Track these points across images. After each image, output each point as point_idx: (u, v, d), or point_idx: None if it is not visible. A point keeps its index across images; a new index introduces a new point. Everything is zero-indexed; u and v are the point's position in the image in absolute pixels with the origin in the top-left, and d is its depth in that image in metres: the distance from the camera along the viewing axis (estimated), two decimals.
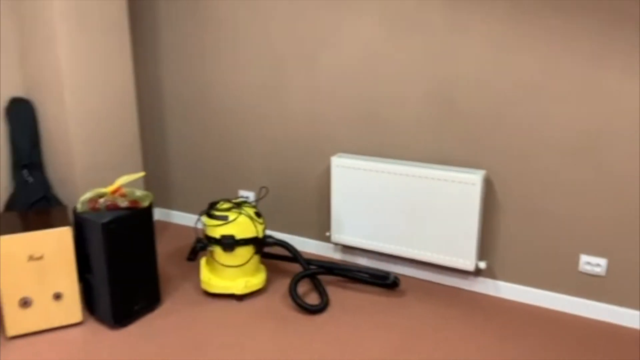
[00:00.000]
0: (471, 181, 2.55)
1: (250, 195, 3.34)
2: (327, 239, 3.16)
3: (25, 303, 2.35)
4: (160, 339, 2.37)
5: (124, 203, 2.41)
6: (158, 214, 3.79)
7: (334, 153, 3.01)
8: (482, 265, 2.67)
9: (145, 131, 3.62)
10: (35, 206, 2.72)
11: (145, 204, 2.47)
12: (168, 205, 3.74)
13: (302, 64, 2.96)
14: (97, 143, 2.84)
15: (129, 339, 2.37)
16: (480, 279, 2.77)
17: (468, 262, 2.65)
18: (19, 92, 2.76)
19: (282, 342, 2.35)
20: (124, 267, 2.42)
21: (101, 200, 2.39)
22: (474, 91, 2.56)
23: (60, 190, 2.85)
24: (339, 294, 2.75)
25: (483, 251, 2.74)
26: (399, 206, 2.75)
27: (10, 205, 2.74)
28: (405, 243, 2.79)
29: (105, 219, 2.31)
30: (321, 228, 3.17)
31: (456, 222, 2.63)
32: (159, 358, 2.23)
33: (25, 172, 2.75)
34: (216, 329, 2.45)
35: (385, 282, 2.74)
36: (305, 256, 3.17)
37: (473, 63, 2.53)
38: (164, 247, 3.33)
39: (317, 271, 2.79)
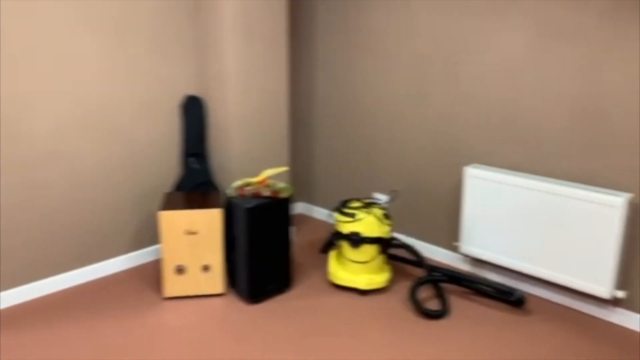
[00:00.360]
0: (612, 203, 2.39)
1: (384, 198, 3.47)
2: (456, 249, 3.16)
3: (180, 270, 2.75)
4: (286, 318, 2.61)
5: (266, 192, 2.70)
6: (301, 207, 4.10)
7: (469, 163, 3.01)
8: (621, 294, 2.49)
9: (296, 131, 3.95)
10: (197, 189, 3.15)
11: (285, 195, 2.74)
12: (311, 200, 4.02)
13: (444, 73, 3.02)
14: (251, 138, 3.20)
15: (259, 314, 2.65)
16: (620, 310, 2.57)
17: (603, 289, 2.49)
18: (192, 91, 3.22)
19: (396, 340, 2.44)
20: (262, 249, 2.71)
21: (248, 188, 2.71)
22: (626, 108, 2.40)
23: (219, 177, 3.26)
24: (460, 304, 2.76)
25: (624, 280, 2.54)
26: (534, 223, 2.67)
27: (178, 186, 3.21)
28: (537, 262, 2.70)
29: (250, 205, 2.62)
30: (450, 237, 3.18)
31: (594, 246, 2.48)
32: (283, 335, 2.47)
33: (192, 159, 3.20)
34: (336, 318, 2.62)
35: (509, 299, 2.68)
36: (432, 263, 3.21)
37: (627, 78, 2.38)
38: (302, 238, 3.61)
39: (440, 278, 2.83)
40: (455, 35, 2.92)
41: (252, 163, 3.24)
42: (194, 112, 3.18)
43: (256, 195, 2.70)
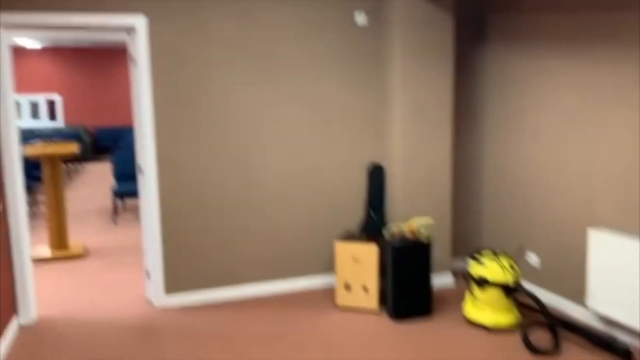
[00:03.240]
0: None
1: (533, 256, 3.93)
2: (587, 307, 3.45)
3: (347, 287, 3.78)
4: (420, 336, 3.39)
5: (409, 236, 3.58)
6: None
7: (596, 225, 3.37)
8: None
9: (465, 195, 4.66)
10: (373, 233, 4.18)
11: (424, 241, 3.56)
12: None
13: (582, 142, 3.48)
14: (415, 197, 4.10)
15: (400, 330, 3.48)
16: None
17: None
18: (376, 159, 4.33)
19: None
20: (405, 280, 3.57)
21: (397, 231, 3.63)
22: None
23: (389, 225, 4.23)
24: (573, 350, 3.11)
25: None
26: None
27: (360, 229, 4.29)
28: None
29: (395, 244, 3.53)
30: (583, 294, 3.50)
31: None
32: (414, 346, 3.26)
33: (371, 211, 4.26)
34: (460, 344, 3.28)
35: (615, 349, 2.94)
36: (554, 312, 3.55)
37: None
38: (461, 286, 4.27)
39: (555, 323, 3.22)
40: (580, 110, 3.40)
41: (413, 216, 4.13)
42: (376, 175, 4.27)
43: (402, 238, 3.60)
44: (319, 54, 4.09)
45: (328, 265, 4.33)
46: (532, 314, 3.67)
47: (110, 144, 14.18)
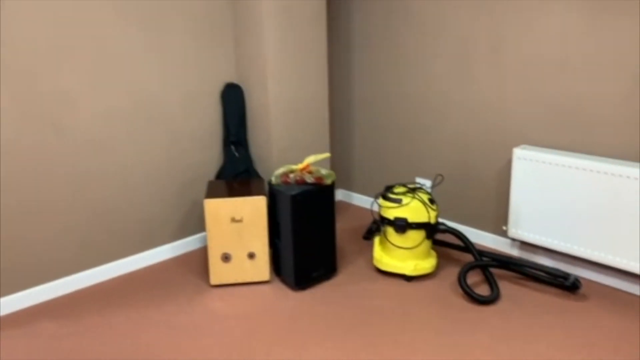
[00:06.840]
0: None
1: (427, 183, 3.41)
2: (504, 234, 3.08)
3: (226, 258, 2.75)
4: (334, 304, 2.59)
5: (310, 179, 2.67)
6: (340, 195, 4.06)
7: (517, 145, 2.92)
8: None
9: (334, 117, 3.90)
10: (239, 177, 3.15)
11: (328, 182, 2.70)
12: (350, 187, 3.99)
13: (490, 54, 2.92)
14: (292, 126, 3.17)
15: (306, 301, 2.64)
16: None
17: None
18: (232, 79, 3.21)
19: (444, 327, 2.39)
20: (307, 236, 2.69)
21: (291, 175, 2.68)
22: None
23: (260, 165, 3.25)
24: (511, 289, 2.69)
25: None
26: (585, 204, 2.57)
27: (219, 175, 3.21)
28: (589, 244, 2.60)
29: (294, 192, 2.59)
30: (498, 222, 3.10)
31: None
32: (331, 321, 2.45)
33: (232, 147, 3.19)
34: (384, 304, 2.59)
35: (563, 283, 2.60)
36: (479, 249, 3.14)
37: None
38: (343, 226, 3.58)
39: (490, 263, 2.76)
40: (500, 16, 2.82)
41: (292, 150, 3.21)
42: (233, 100, 3.17)
43: (300, 182, 2.68)
44: None
45: (183, 229, 3.19)
46: (453, 253, 3.17)
47: None
